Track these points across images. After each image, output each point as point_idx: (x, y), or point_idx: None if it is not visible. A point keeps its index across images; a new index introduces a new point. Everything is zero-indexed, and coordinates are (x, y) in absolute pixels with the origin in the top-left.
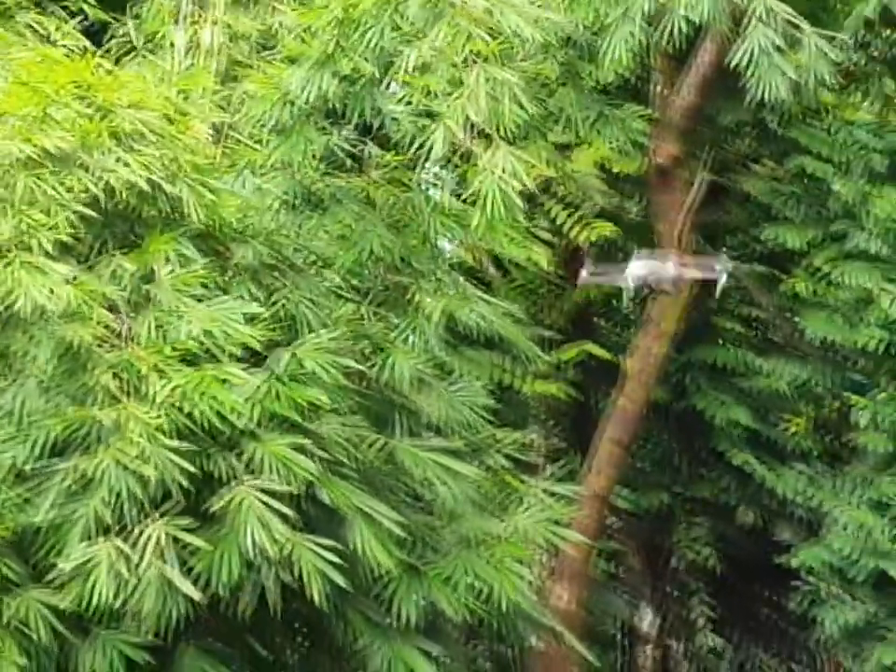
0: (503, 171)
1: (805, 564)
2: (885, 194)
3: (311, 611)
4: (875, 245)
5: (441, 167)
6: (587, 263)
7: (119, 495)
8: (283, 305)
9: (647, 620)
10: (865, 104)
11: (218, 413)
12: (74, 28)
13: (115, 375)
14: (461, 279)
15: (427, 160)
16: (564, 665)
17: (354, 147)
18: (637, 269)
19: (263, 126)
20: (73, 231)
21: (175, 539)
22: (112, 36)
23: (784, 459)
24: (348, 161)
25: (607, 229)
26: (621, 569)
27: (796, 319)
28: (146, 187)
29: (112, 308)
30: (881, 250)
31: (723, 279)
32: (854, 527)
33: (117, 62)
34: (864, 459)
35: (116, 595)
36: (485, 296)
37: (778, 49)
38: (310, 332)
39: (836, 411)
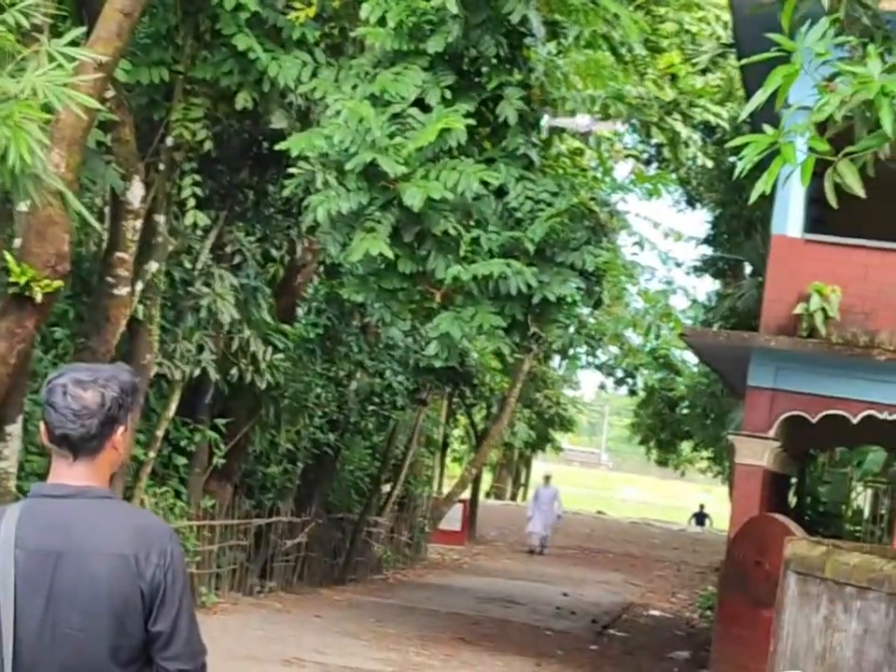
0: None
1: (300, 151)
2: None
3: None
4: None
5: None
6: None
7: None
8: None
9: (136, 194)
10: None
11: None
12: None
13: None
14: None
15: None
16: (52, 230)
17: None
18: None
19: None
20: None
21: None
22: None
23: (286, 47)
24: None
25: None
26: (114, 142)
27: None
28: None
29: None
30: None
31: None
32: (352, 119)
33: None
34: (368, 54)
35: None
36: None
37: None
38: None
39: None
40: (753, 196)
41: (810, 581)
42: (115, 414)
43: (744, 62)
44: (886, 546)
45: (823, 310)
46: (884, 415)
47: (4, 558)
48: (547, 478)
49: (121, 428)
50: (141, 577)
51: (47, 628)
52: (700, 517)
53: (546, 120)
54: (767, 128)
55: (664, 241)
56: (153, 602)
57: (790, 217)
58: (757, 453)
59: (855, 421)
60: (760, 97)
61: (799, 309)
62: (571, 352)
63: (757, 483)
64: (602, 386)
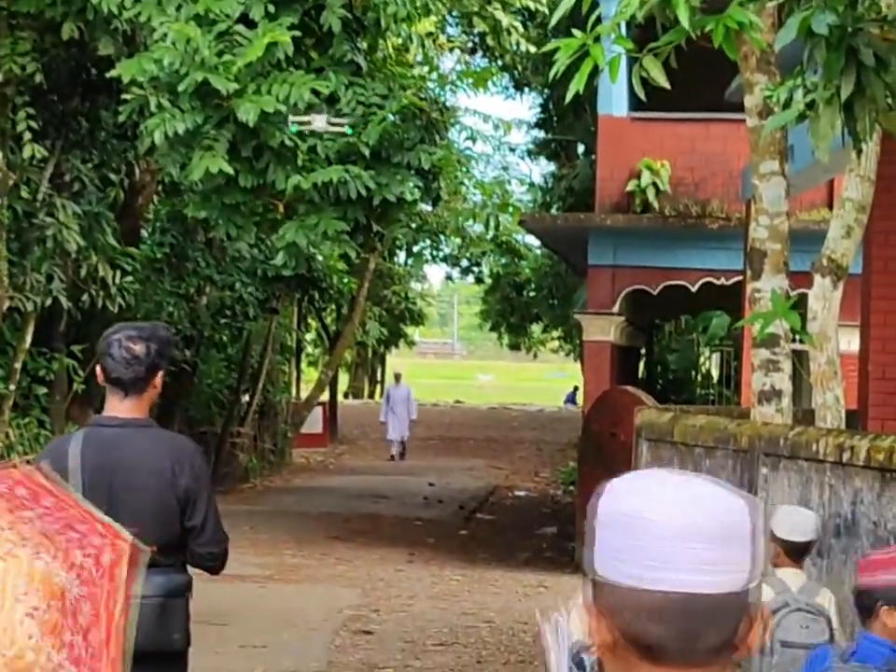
0: None
1: (131, 77)
2: None
3: None
4: None
5: None
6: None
7: None
8: None
9: None
10: None
11: None
12: None
13: None
14: None
15: None
16: None
17: None
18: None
19: None
20: None
21: None
22: None
23: None
24: None
25: None
26: None
27: None
28: None
29: None
30: None
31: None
32: (179, 41)
33: None
34: None
35: None
36: None
37: None
38: None
39: None
40: (569, 96)
41: (661, 446)
42: (157, 362)
43: None
44: (732, 407)
45: (654, 185)
46: (721, 281)
47: (73, 471)
48: (397, 376)
49: (160, 373)
50: (176, 485)
51: None
52: (572, 397)
53: (290, 120)
54: (576, 32)
55: (494, 132)
56: (186, 504)
57: (614, 98)
58: (603, 329)
59: (694, 289)
60: (565, 4)
61: (631, 186)
62: (416, 248)
63: (606, 357)
64: (449, 277)
